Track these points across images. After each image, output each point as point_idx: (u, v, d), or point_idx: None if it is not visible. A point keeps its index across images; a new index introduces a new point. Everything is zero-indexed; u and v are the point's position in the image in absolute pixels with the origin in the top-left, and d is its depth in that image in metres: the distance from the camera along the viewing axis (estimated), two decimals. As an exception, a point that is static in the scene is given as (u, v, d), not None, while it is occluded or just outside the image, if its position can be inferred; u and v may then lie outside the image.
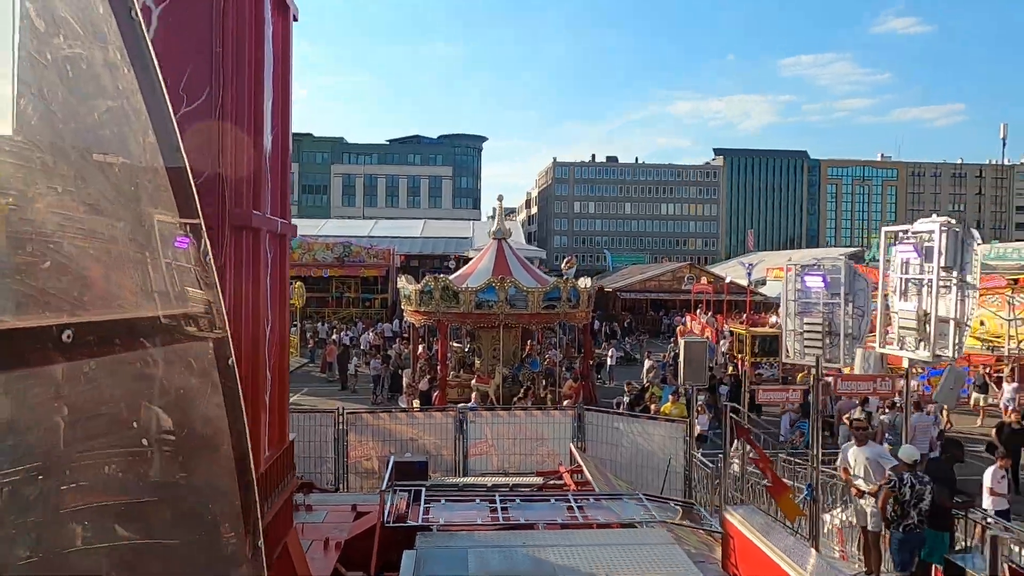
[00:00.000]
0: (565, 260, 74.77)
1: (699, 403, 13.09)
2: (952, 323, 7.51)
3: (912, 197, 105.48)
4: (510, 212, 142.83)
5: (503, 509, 7.23)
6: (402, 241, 46.61)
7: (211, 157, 4.11)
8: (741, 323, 28.68)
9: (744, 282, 40.67)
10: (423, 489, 7.55)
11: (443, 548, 5.92)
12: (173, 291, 1.93)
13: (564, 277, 53.40)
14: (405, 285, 18.65)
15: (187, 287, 1.99)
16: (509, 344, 18.64)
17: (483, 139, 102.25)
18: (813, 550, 5.91)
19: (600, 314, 43.36)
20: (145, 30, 1.96)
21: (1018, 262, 40.47)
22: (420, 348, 20.76)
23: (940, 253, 7.82)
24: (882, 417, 11.95)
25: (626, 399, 15.66)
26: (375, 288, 41.33)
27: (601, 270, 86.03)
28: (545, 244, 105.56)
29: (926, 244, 8.20)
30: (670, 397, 13.81)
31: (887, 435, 12.17)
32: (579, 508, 7.19)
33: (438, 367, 18.22)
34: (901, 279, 8.00)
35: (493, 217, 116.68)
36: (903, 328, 7.48)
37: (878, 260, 31.94)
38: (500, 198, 21.90)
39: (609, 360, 24.02)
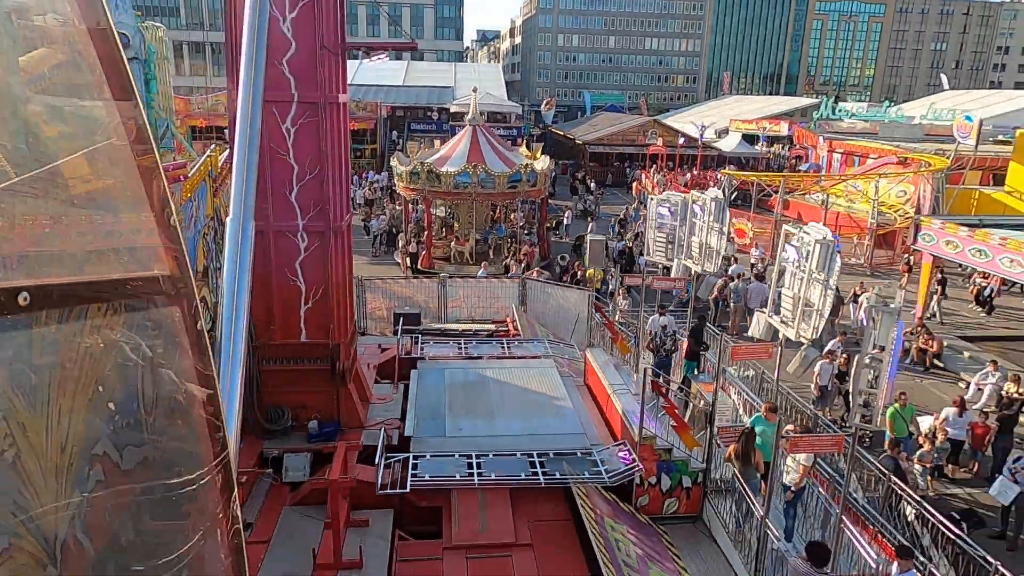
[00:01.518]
0: (544, 102, 77.12)
1: (612, 269, 18.35)
2: (815, 311, 9.17)
3: (896, 35, 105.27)
4: (493, 37, 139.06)
5: (465, 347, 12.61)
6: (387, 91, 49.09)
7: (323, 197, 8.78)
8: (685, 186, 33.26)
9: (704, 137, 44.57)
10: (420, 335, 12.87)
11: (431, 368, 11.29)
12: (137, 254, 1.81)
13: (540, 122, 56.94)
14: (397, 165, 22.95)
15: (152, 250, 1.85)
16: (481, 213, 23.42)
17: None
18: (623, 371, 11.31)
19: (572, 164, 47.63)
20: None
21: (948, 123, 44.49)
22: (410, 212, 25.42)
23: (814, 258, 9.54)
24: (730, 284, 17.24)
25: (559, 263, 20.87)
26: (364, 139, 44.80)
27: (580, 109, 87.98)
28: (528, 77, 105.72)
29: (806, 247, 9.73)
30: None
31: (734, 295, 17.58)
32: (509, 347, 12.59)
33: (424, 232, 23.14)
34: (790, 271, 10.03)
35: (476, 46, 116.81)
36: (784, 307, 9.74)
37: (826, 118, 36.23)
38: (475, 89, 25.35)
39: (566, 220, 28.91)
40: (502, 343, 12.66)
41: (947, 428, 11.40)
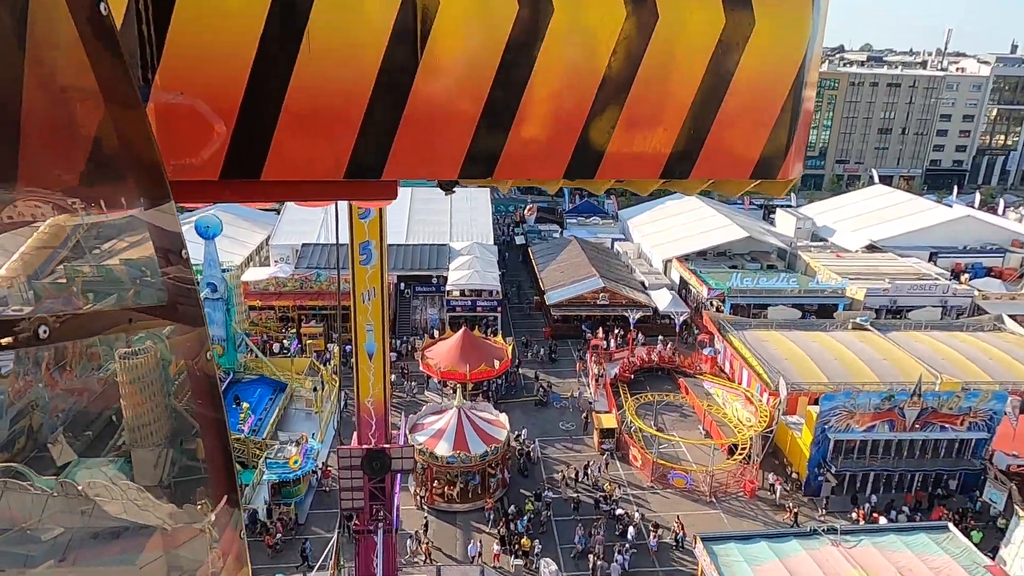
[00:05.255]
0: (527, 207, 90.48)
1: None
2: None
3: (849, 106, 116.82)
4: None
5: None
6: (395, 253, 61.58)
7: None
8: (612, 382, 46.32)
9: (644, 298, 57.71)
10: None
11: None
12: (147, 285, 1.86)
13: (523, 223, 72.99)
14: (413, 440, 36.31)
15: (163, 281, 1.88)
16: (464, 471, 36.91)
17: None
18: None
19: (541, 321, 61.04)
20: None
21: (831, 288, 57.21)
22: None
23: None
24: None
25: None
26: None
27: (558, 219, 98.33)
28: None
29: None
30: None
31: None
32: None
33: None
34: None
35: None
36: None
37: (735, 288, 50.15)
38: (466, 391, 38.49)
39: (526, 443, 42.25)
40: None
41: None
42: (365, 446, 18.35)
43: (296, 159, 2.65)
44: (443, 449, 35.31)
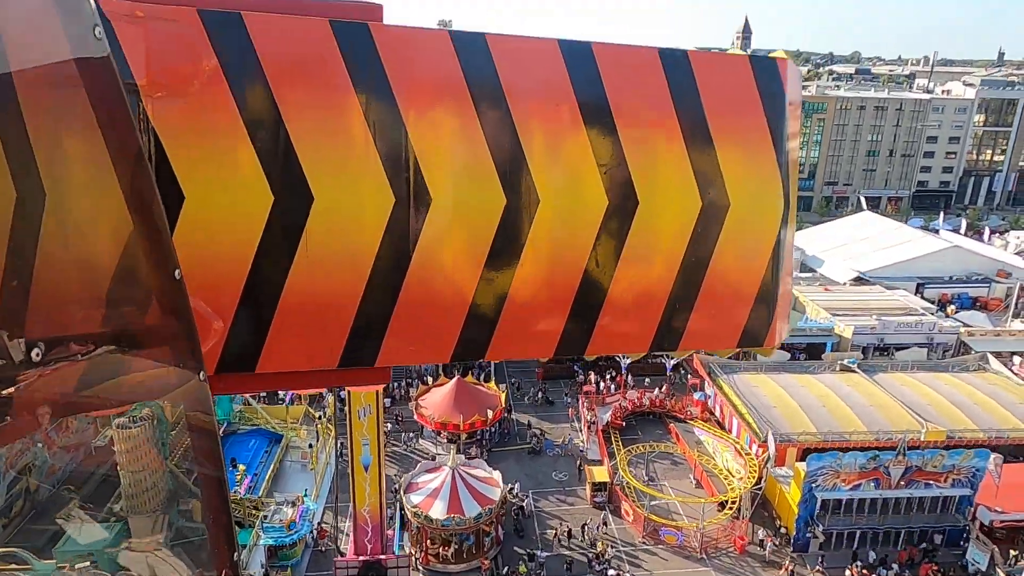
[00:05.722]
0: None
1: None
2: None
3: (837, 129, 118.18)
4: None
5: None
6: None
7: None
8: (604, 430, 46.96)
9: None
10: None
11: None
12: (145, 325, 1.83)
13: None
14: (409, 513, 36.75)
15: (159, 319, 1.86)
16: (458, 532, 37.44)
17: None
18: None
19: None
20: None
21: (819, 328, 58.02)
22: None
23: None
24: None
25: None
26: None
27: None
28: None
29: None
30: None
31: None
32: None
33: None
34: None
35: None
36: None
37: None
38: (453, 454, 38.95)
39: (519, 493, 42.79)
40: None
41: None
42: (362, 558, 18.92)
43: (291, 352, 2.70)
44: (438, 511, 35.72)
